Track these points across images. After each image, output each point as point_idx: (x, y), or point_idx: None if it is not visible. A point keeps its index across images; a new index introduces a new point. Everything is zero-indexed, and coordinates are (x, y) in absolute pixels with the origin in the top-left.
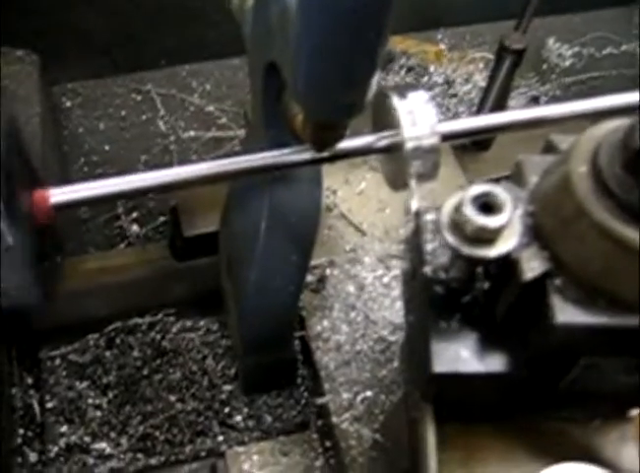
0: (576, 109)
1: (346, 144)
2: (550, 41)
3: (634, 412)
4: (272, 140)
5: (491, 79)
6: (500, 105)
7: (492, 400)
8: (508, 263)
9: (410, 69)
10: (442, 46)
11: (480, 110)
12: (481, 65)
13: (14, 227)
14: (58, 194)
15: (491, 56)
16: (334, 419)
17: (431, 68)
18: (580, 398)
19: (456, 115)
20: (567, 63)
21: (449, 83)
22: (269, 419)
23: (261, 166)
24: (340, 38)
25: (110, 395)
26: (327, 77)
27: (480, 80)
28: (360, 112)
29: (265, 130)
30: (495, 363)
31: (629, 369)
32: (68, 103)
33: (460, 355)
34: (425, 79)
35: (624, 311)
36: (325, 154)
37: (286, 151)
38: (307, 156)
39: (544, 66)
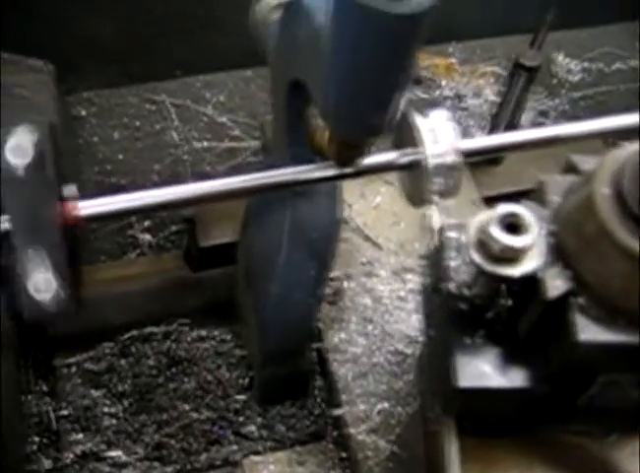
0: (592, 128)
1: (368, 160)
2: (559, 57)
3: None
4: (293, 155)
5: (505, 95)
6: (514, 122)
7: (512, 414)
8: (532, 281)
9: (420, 82)
10: (453, 60)
11: (494, 126)
12: (492, 79)
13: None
14: (88, 206)
15: (502, 71)
16: (350, 430)
17: (442, 81)
18: (598, 413)
19: (466, 129)
20: (576, 78)
21: (459, 96)
22: (282, 429)
23: (285, 181)
24: (372, 63)
25: (125, 403)
26: (357, 98)
27: (491, 94)
28: (386, 132)
29: (286, 145)
30: (518, 378)
31: None
32: (83, 113)
33: (483, 370)
34: (436, 92)
35: None
36: (348, 170)
37: (309, 167)
38: (331, 172)
39: (554, 81)
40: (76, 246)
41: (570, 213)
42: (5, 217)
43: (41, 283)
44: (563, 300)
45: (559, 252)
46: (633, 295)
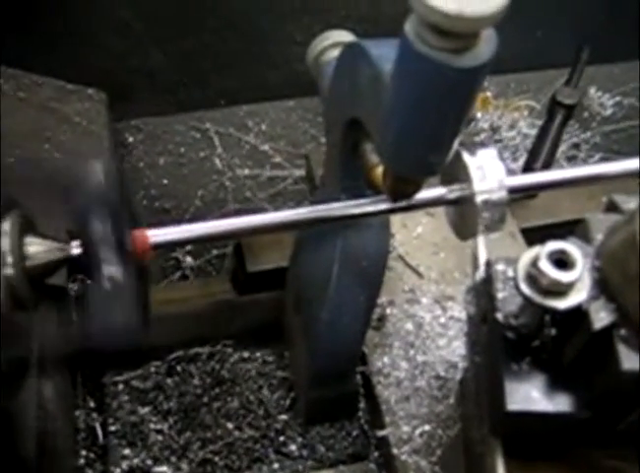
0: (630, 167)
1: (418, 195)
2: (592, 90)
3: None
4: (345, 188)
5: (543, 131)
6: (551, 157)
7: (555, 437)
8: (577, 313)
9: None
10: (488, 94)
11: (531, 162)
12: (526, 112)
13: (122, 266)
14: (157, 235)
15: (535, 104)
16: (394, 450)
17: (478, 115)
18: (636, 438)
19: (501, 160)
20: (608, 112)
21: (494, 129)
22: (322, 449)
23: (341, 215)
24: (433, 110)
25: (171, 421)
26: (416, 140)
27: (525, 126)
28: (440, 170)
29: (339, 178)
30: (562, 403)
31: None
32: (131, 139)
33: (530, 395)
34: (472, 125)
35: None
36: (400, 204)
37: (362, 201)
38: (384, 206)
39: (586, 114)
40: (144, 273)
41: (614, 250)
42: (76, 243)
43: (115, 305)
44: (607, 331)
45: (603, 286)
46: None
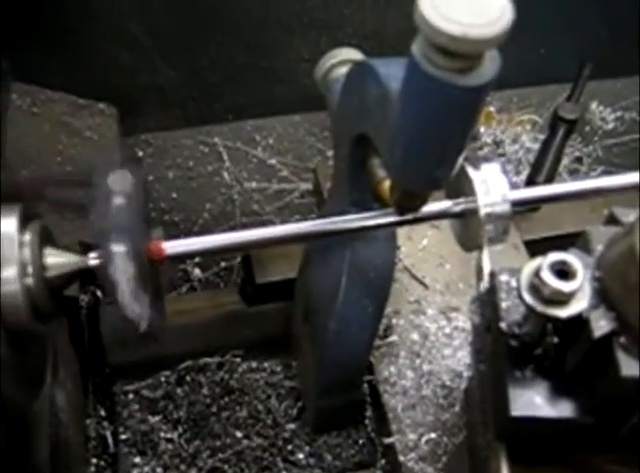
0: (630, 181)
1: (424, 208)
2: (593, 105)
3: None
4: (352, 201)
5: (545, 146)
6: (553, 171)
7: (558, 442)
8: (578, 321)
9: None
10: (491, 108)
11: (533, 176)
12: (528, 126)
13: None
14: (172, 246)
15: (538, 118)
16: (400, 457)
17: (481, 129)
18: (638, 443)
19: (504, 174)
20: (610, 126)
21: (497, 143)
22: (329, 457)
23: (349, 227)
24: (438, 126)
25: (181, 429)
26: (422, 156)
27: (527, 140)
28: (446, 184)
29: (347, 192)
30: (565, 409)
31: None
32: (140, 153)
33: (534, 401)
34: (476, 139)
35: None
36: (406, 217)
37: (370, 214)
38: (391, 219)
39: (587, 128)
40: (160, 281)
41: (613, 261)
42: (93, 254)
43: (136, 311)
44: (607, 338)
45: (603, 296)
46: None
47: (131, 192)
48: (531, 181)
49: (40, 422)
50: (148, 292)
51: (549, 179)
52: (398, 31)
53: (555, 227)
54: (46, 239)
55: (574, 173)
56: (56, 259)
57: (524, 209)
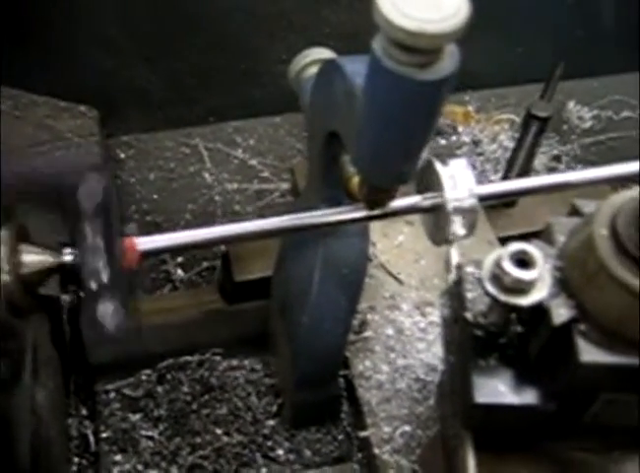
0: (598, 175)
1: (394, 203)
2: (571, 104)
3: None
4: (325, 197)
5: (519, 143)
6: (526, 168)
7: (523, 430)
8: (539, 310)
9: (441, 133)
10: (470, 108)
11: (507, 172)
12: (507, 126)
13: (110, 267)
14: (145, 243)
15: (516, 117)
16: (375, 450)
17: (460, 128)
18: (601, 430)
19: (482, 172)
20: (587, 125)
21: (476, 142)
22: (308, 453)
23: (320, 222)
24: (401, 121)
25: (161, 427)
26: (387, 151)
27: (505, 139)
28: (411, 178)
29: (320, 188)
30: (528, 396)
31: None
32: (122, 155)
33: (498, 388)
34: (454, 138)
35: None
36: (376, 212)
37: (341, 209)
38: (361, 214)
39: (565, 127)
40: (134, 279)
41: (574, 251)
42: (68, 250)
43: (108, 310)
44: (568, 326)
45: (564, 285)
46: (629, 322)
47: (102, 194)
48: (505, 178)
49: (20, 420)
50: (120, 291)
51: (523, 176)
52: (372, 31)
53: (531, 223)
54: (23, 237)
55: (552, 171)
56: (32, 256)
57: (496, 203)
